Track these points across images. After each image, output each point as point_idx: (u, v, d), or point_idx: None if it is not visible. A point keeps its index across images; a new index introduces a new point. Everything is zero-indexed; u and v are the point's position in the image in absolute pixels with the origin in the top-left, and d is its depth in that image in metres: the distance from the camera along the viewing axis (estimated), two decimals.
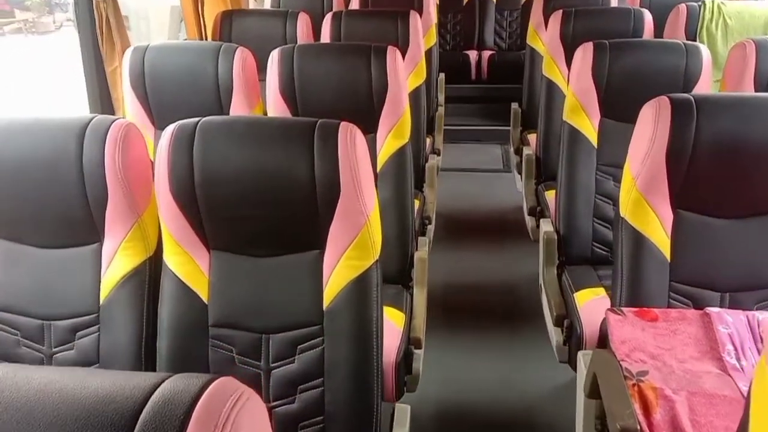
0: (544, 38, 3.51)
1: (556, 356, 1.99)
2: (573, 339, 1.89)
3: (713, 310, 1.46)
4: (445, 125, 3.81)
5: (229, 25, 2.95)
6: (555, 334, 2.00)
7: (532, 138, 3.24)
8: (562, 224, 2.25)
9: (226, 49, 2.15)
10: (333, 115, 2.10)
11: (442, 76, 4.37)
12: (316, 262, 1.37)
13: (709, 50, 2.83)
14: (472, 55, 5.17)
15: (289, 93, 2.05)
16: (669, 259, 1.52)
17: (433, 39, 3.59)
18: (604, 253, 2.22)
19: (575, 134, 2.26)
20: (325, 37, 2.86)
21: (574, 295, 1.99)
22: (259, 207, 1.34)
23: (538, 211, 2.66)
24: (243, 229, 1.37)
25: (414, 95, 2.85)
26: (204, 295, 1.40)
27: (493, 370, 2.44)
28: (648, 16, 2.91)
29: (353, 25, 2.89)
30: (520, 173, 3.37)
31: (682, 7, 3.09)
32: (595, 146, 2.25)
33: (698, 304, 1.52)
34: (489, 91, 5.05)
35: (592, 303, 1.93)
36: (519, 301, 2.86)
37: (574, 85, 2.26)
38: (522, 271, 3.03)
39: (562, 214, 2.25)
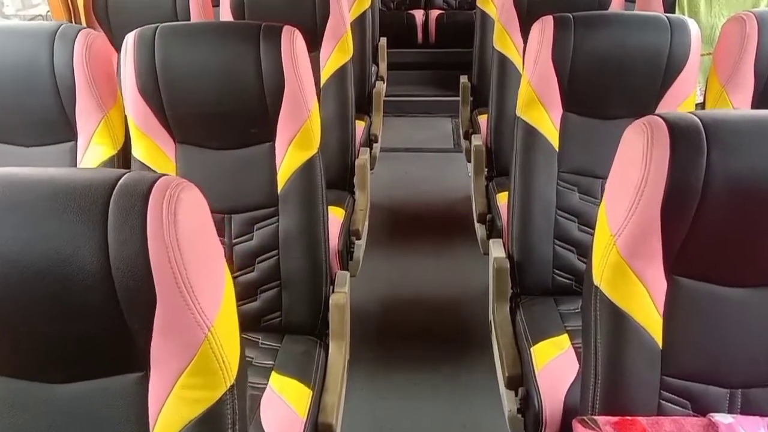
0: (497, 1, 3.01)
1: (508, 427, 1.57)
2: (530, 412, 1.46)
3: (721, 419, 1.04)
4: (387, 96, 3.30)
5: None
6: (507, 400, 1.58)
7: (483, 121, 2.76)
8: (515, 248, 1.80)
9: (64, 32, 1.58)
10: (214, 121, 1.61)
11: (383, 41, 3.83)
12: (136, 386, 0.89)
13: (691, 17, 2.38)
14: (418, 15, 4.59)
15: (150, 93, 1.52)
16: (661, 346, 1.08)
17: (367, 1, 3.03)
18: (566, 281, 1.79)
19: (532, 134, 1.79)
20: (225, 10, 2.30)
21: (531, 350, 1.56)
22: None
23: (489, 219, 2.20)
24: None
25: (338, 76, 2.33)
26: None
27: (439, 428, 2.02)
28: None
29: None
30: (469, 161, 2.91)
31: None
32: (556, 148, 1.79)
33: (699, 406, 1.10)
34: (438, 56, 4.50)
35: (553, 365, 1.50)
36: (469, 323, 2.43)
37: (529, 71, 1.77)
38: (474, 282, 2.60)
39: (516, 234, 1.80)
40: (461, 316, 2.48)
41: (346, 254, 2.06)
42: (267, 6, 2.30)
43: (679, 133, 0.98)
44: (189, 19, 2.45)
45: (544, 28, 1.74)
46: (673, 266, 1.05)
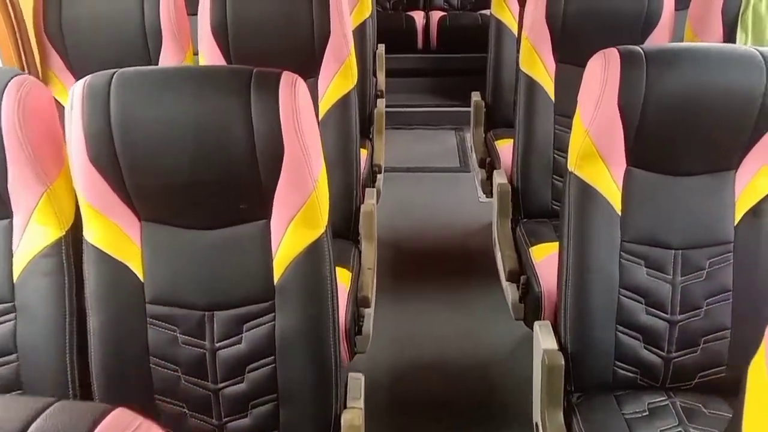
0: (513, 9, 2.65)
1: None
2: None
3: None
4: (385, 107, 2.92)
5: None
6: None
7: (505, 150, 2.40)
8: (570, 337, 1.46)
9: (16, 84, 1.19)
10: (190, 194, 1.17)
11: (381, 48, 3.44)
12: None
13: (757, 39, 2.04)
14: (418, 17, 4.19)
15: (104, 161, 1.15)
16: None
17: (367, 9, 2.65)
18: (630, 375, 1.47)
19: (588, 194, 1.45)
20: (204, 24, 1.91)
21: None
22: None
23: (524, 282, 1.84)
24: None
25: (340, 107, 1.97)
26: None
27: None
28: None
29: (246, 2, 1.93)
30: (485, 192, 2.55)
31: None
32: (619, 212, 1.44)
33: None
34: (440, 62, 4.12)
35: None
36: (495, 391, 2.08)
37: (587, 118, 1.42)
38: (495, 338, 2.26)
39: (571, 320, 1.46)
40: (485, 383, 2.12)
41: (354, 330, 1.71)
42: (255, 24, 1.92)
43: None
44: (159, 34, 2.05)
45: (607, 65, 1.39)
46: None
